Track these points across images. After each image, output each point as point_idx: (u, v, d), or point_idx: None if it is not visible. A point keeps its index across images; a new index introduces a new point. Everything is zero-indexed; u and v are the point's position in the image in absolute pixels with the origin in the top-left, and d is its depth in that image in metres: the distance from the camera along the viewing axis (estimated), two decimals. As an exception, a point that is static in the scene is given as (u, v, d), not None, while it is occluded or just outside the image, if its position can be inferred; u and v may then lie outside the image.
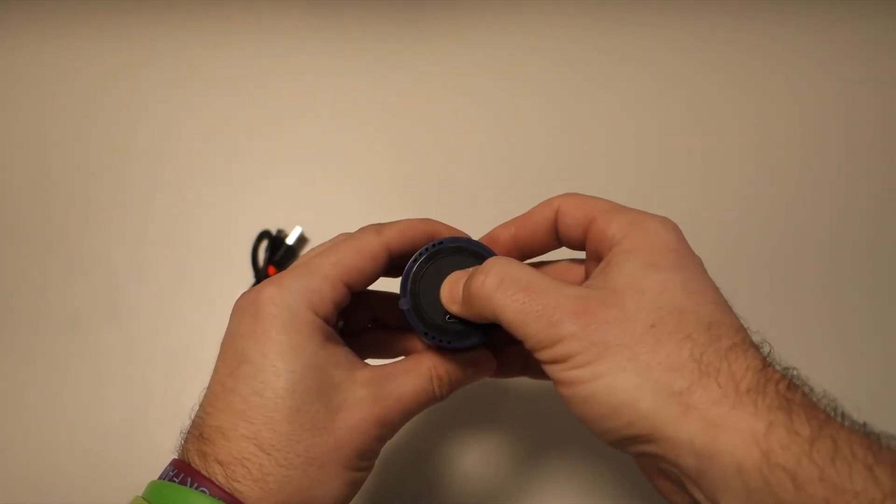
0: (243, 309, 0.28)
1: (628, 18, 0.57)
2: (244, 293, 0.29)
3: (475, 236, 0.33)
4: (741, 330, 0.25)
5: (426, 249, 0.30)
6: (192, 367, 0.47)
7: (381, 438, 0.29)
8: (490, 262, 0.28)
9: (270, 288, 0.28)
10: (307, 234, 0.50)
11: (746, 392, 0.23)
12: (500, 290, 0.26)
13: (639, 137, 0.53)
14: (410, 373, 0.29)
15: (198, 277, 0.50)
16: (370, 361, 0.31)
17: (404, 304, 0.30)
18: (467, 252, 0.31)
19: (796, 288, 0.49)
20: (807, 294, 0.49)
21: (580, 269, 0.34)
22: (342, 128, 0.54)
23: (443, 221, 0.34)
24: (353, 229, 0.32)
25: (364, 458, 0.28)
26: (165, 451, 0.45)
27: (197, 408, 0.29)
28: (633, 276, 0.26)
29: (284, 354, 0.27)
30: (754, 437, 0.22)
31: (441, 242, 0.31)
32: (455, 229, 0.33)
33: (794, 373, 0.24)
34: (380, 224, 0.31)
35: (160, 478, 0.28)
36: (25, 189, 0.53)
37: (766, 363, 0.24)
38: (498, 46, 0.57)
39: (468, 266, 0.30)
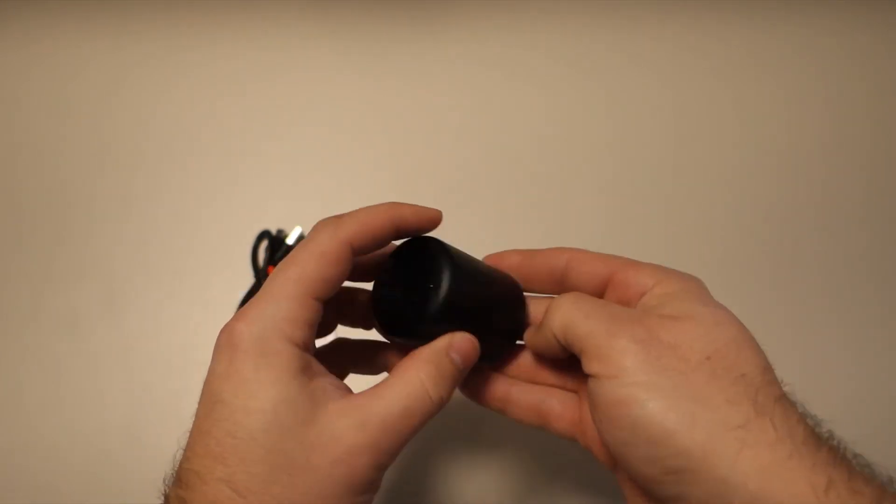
0: (220, 347, 0.27)
1: (629, 18, 0.57)
2: (224, 326, 0.27)
3: (476, 237, 0.33)
4: (779, 386, 0.25)
5: (385, 271, 0.30)
6: (192, 368, 0.47)
7: (377, 467, 0.26)
8: (572, 292, 0.29)
9: (240, 323, 0.26)
10: (307, 235, 0.50)
11: (803, 443, 0.22)
12: (576, 305, 0.27)
13: (639, 136, 0.53)
14: (395, 387, 0.26)
15: (198, 277, 0.50)
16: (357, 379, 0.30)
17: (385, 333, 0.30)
18: (427, 255, 0.29)
19: (796, 287, 0.49)
20: (807, 293, 0.49)
21: None
22: (342, 128, 0.54)
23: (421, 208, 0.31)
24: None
25: (358, 491, 0.25)
26: (165, 451, 0.45)
27: (180, 452, 0.27)
28: (685, 308, 0.26)
29: (256, 393, 0.25)
30: (814, 492, 0.21)
31: (399, 252, 0.30)
32: (421, 208, 0.30)
33: (832, 434, 0.24)
34: (337, 217, 0.29)
35: None
36: (25, 190, 0.53)
37: (806, 421, 0.24)
38: (498, 46, 0.56)
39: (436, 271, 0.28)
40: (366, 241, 0.28)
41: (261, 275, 0.48)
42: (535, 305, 0.33)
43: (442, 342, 0.28)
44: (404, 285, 0.29)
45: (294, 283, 0.26)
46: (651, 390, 0.24)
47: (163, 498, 0.27)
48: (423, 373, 0.27)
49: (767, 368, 0.25)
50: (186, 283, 0.50)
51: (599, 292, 0.30)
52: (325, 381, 0.27)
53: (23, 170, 0.54)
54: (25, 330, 0.49)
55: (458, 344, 0.28)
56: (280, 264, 0.28)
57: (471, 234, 0.50)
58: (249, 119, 0.55)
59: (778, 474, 0.22)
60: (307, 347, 0.27)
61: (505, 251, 0.33)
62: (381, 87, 0.55)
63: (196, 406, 0.28)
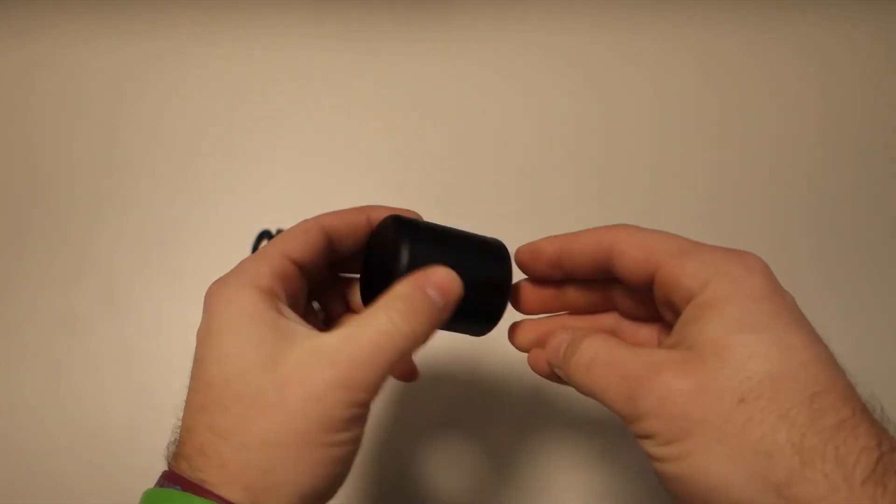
0: (203, 313, 0.28)
1: (627, 17, 0.57)
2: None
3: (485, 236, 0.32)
4: (851, 398, 0.22)
5: (364, 257, 0.32)
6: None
7: (352, 403, 0.25)
8: (586, 342, 0.27)
9: (213, 285, 0.28)
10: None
11: (861, 484, 0.20)
12: (589, 375, 0.26)
13: (641, 136, 0.53)
14: (363, 325, 0.26)
15: (198, 277, 0.50)
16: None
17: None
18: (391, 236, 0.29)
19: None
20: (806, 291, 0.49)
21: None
22: (342, 128, 0.54)
23: (419, 213, 0.33)
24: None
25: (334, 429, 0.25)
26: (165, 451, 0.45)
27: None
28: (715, 339, 0.23)
29: (228, 340, 0.26)
30: None
31: (372, 236, 0.31)
32: (396, 208, 0.31)
33: None
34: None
35: (157, 485, 0.27)
36: (25, 189, 0.53)
37: (881, 441, 0.21)
38: (497, 46, 0.56)
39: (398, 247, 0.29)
40: (339, 225, 0.30)
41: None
42: (539, 326, 0.33)
43: (413, 278, 0.27)
44: (377, 263, 0.30)
45: (269, 246, 0.29)
46: (683, 449, 0.22)
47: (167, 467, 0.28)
48: (391, 309, 0.26)
49: (820, 393, 0.22)
50: (186, 283, 0.50)
51: (648, 284, 0.27)
52: (295, 324, 0.27)
53: (23, 170, 0.54)
54: (25, 330, 0.49)
55: (433, 277, 0.27)
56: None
57: (478, 231, 0.50)
58: (249, 119, 0.55)
59: None
60: (276, 295, 0.28)
61: (540, 240, 0.31)
62: (381, 87, 0.55)
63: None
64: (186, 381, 0.47)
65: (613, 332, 0.32)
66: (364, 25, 0.57)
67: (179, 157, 0.54)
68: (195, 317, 0.48)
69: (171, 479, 0.25)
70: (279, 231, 0.49)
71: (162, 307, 0.49)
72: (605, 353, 0.26)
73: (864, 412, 0.22)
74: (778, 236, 0.50)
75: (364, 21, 0.57)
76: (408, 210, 0.32)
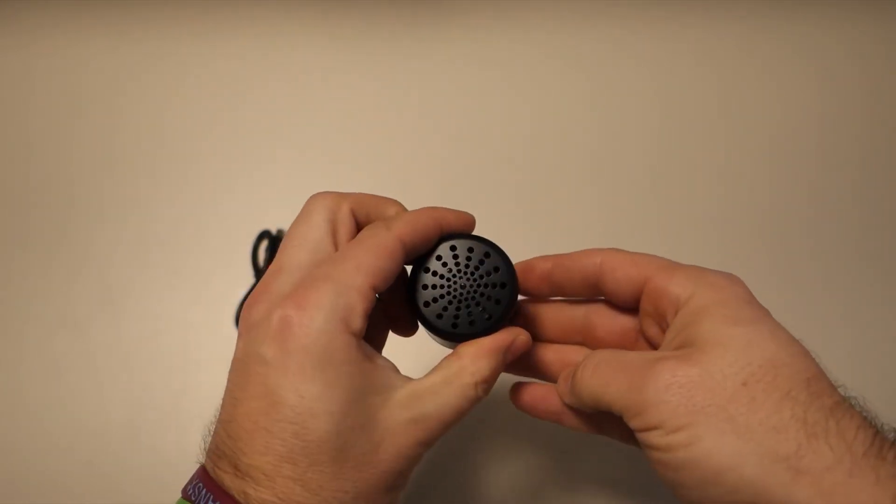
0: (264, 333, 0.26)
1: (631, 18, 0.57)
2: (253, 304, 0.27)
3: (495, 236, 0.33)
4: (835, 387, 0.24)
5: (423, 269, 0.30)
6: (193, 367, 0.47)
7: (422, 455, 0.27)
8: (593, 353, 0.28)
9: (296, 312, 0.25)
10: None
11: (863, 456, 0.22)
12: (595, 375, 0.27)
13: (640, 135, 0.53)
14: (451, 385, 0.27)
15: (198, 277, 0.50)
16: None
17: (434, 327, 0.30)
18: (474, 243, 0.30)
19: (794, 284, 0.49)
20: (803, 289, 0.49)
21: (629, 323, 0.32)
22: (343, 127, 0.54)
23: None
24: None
25: (405, 476, 0.27)
26: (165, 451, 0.45)
27: (216, 427, 0.28)
28: (714, 331, 0.25)
29: (322, 395, 0.25)
30: None
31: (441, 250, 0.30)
32: (462, 213, 0.32)
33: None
34: (383, 219, 0.30)
35: (192, 497, 0.26)
36: (25, 189, 0.53)
37: (872, 421, 0.23)
38: (498, 46, 0.56)
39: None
40: (416, 239, 0.28)
41: (261, 275, 0.48)
42: (560, 353, 0.33)
43: (504, 338, 0.29)
44: (460, 283, 0.30)
45: (355, 271, 0.26)
46: (692, 434, 0.23)
47: (203, 469, 0.27)
48: (483, 371, 0.28)
49: (814, 378, 0.23)
50: (186, 284, 0.50)
51: (635, 299, 0.29)
52: (385, 370, 0.27)
53: (23, 170, 0.54)
54: (25, 330, 0.49)
55: (518, 344, 0.29)
56: (346, 248, 0.28)
57: (475, 232, 0.50)
58: (249, 119, 0.55)
59: (839, 496, 0.21)
60: (363, 335, 0.27)
61: (534, 259, 0.32)
62: (382, 87, 0.55)
63: (211, 424, 0.28)
64: (186, 382, 0.47)
65: None
66: (365, 25, 0.57)
67: (180, 157, 0.54)
68: (195, 317, 0.49)
69: None
70: (279, 231, 0.49)
71: (162, 307, 0.49)
72: (610, 355, 0.27)
73: (847, 399, 0.24)
74: (778, 237, 0.50)
75: (364, 21, 0.57)
76: (465, 212, 0.31)
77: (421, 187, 0.52)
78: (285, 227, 0.50)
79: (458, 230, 0.31)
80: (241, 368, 0.26)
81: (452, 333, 0.29)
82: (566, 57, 0.56)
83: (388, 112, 0.55)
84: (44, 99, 0.56)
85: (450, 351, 0.30)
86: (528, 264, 0.32)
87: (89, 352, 0.48)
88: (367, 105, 0.55)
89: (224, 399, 0.27)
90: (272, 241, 0.49)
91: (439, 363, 0.28)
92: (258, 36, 0.57)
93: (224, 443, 0.26)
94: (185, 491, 0.27)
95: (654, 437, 0.24)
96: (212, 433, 0.28)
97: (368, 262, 0.27)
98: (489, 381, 0.28)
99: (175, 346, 0.48)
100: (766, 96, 0.54)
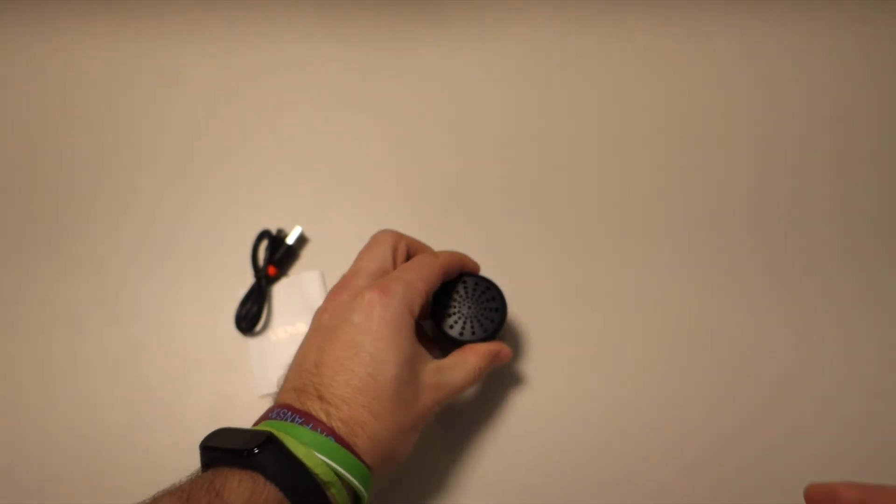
0: (355, 307, 0.37)
1: (634, 19, 0.57)
2: (338, 292, 0.38)
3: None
4: None
5: (445, 294, 0.42)
6: (193, 367, 0.48)
7: (435, 411, 0.38)
8: None
9: (380, 295, 0.37)
10: (307, 234, 0.50)
11: None
12: None
13: (644, 136, 0.53)
14: (460, 367, 0.39)
15: (198, 277, 0.50)
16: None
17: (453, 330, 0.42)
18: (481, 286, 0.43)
19: (797, 287, 0.49)
20: (806, 292, 0.49)
21: None
22: (342, 128, 0.54)
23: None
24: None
25: (424, 421, 0.38)
26: (165, 450, 0.45)
27: (295, 372, 0.37)
28: None
29: (392, 350, 0.36)
30: None
31: (464, 282, 0.43)
32: (473, 261, 0.44)
33: None
34: (434, 252, 0.42)
35: (280, 418, 0.35)
36: (26, 189, 0.53)
37: None
38: (500, 47, 0.56)
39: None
40: (449, 269, 0.41)
41: (261, 274, 0.48)
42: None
43: (494, 347, 0.41)
44: (468, 306, 0.42)
45: (421, 280, 0.39)
46: None
47: (282, 402, 0.36)
48: (480, 364, 0.40)
49: None
50: (186, 284, 0.50)
51: None
52: (423, 348, 0.38)
53: (22, 170, 0.54)
54: (26, 330, 0.49)
55: (504, 353, 0.42)
56: (409, 264, 0.40)
57: (475, 232, 0.51)
58: (250, 119, 0.55)
59: None
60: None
61: (839, 485, 0.29)
62: (382, 88, 0.55)
63: (288, 365, 0.38)
64: (186, 382, 0.47)
65: None
66: (366, 28, 0.57)
67: (180, 158, 0.54)
68: (195, 317, 0.49)
69: (323, 428, 0.34)
70: (280, 231, 0.50)
71: (162, 307, 0.49)
72: None
73: None
74: (781, 233, 0.50)
75: (366, 24, 0.57)
76: (474, 261, 0.44)
77: (421, 188, 0.52)
78: (286, 227, 0.50)
79: (469, 270, 0.43)
80: (330, 329, 0.37)
81: (460, 340, 0.42)
82: (569, 56, 0.56)
83: (390, 112, 0.55)
84: (44, 99, 0.56)
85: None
86: (832, 491, 0.29)
87: (89, 352, 0.48)
88: (367, 105, 0.55)
89: (307, 353, 0.37)
90: (272, 240, 0.49)
91: (451, 355, 0.40)
92: (259, 35, 0.57)
93: (310, 380, 0.36)
94: (264, 417, 0.35)
95: None
96: (286, 380, 0.37)
97: (426, 274, 0.39)
98: (482, 371, 0.40)
99: (175, 346, 0.48)
100: (778, 98, 0.54)
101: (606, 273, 0.49)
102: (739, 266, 0.49)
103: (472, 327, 0.42)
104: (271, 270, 0.48)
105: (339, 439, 0.34)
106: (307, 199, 0.52)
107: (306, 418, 0.34)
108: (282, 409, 0.35)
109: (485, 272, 0.44)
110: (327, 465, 0.33)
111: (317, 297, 0.48)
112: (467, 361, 0.40)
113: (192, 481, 0.31)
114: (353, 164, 0.53)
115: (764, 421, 0.45)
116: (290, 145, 0.54)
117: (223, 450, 0.33)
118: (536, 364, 0.47)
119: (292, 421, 0.34)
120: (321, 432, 0.33)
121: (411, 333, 0.37)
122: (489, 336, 0.42)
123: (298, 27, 0.57)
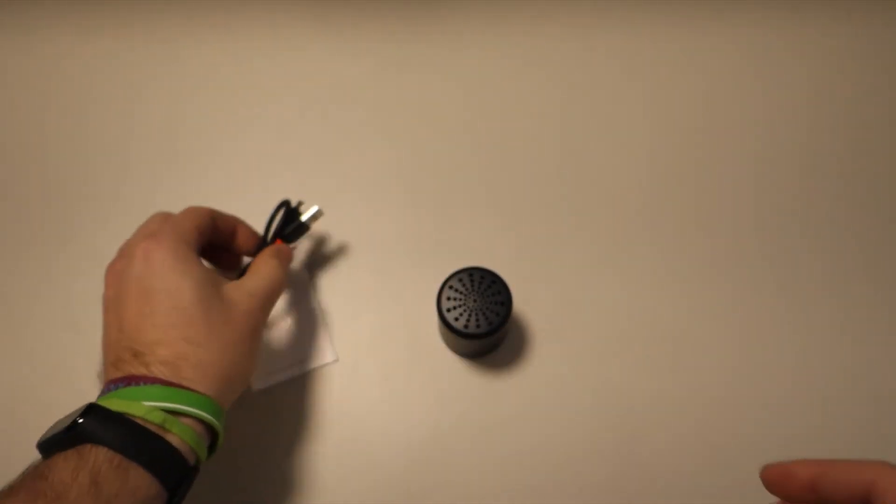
0: (129, 265, 0.38)
1: (635, 20, 0.57)
2: (113, 263, 0.39)
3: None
4: None
5: (450, 287, 0.44)
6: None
7: (265, 319, 0.41)
8: None
9: (148, 241, 0.38)
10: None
11: None
12: None
13: (646, 137, 0.54)
14: (256, 273, 0.42)
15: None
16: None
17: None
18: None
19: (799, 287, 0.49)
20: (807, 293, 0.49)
21: None
22: (344, 128, 0.55)
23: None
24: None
25: (258, 335, 0.40)
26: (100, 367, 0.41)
27: (107, 349, 0.37)
28: None
29: (182, 277, 0.37)
30: None
31: (469, 275, 0.44)
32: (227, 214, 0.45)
33: None
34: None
35: (103, 394, 0.35)
36: (26, 187, 0.54)
37: None
38: (508, 44, 0.57)
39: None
40: (216, 215, 0.44)
41: (267, 237, 0.47)
42: None
43: (273, 247, 0.45)
44: (474, 299, 0.43)
45: (182, 218, 0.41)
46: None
47: (112, 374, 0.36)
48: (271, 264, 0.42)
49: None
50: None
51: None
52: (213, 271, 0.39)
53: (24, 168, 0.55)
54: (25, 329, 0.50)
55: (284, 250, 0.45)
56: (170, 214, 0.41)
57: (484, 228, 0.51)
58: (251, 120, 0.56)
59: None
60: (199, 253, 0.41)
61: (793, 464, 0.29)
62: (388, 78, 0.56)
63: (99, 359, 0.38)
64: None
65: None
66: (371, 23, 0.58)
67: (181, 155, 0.55)
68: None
69: (145, 380, 0.34)
70: (300, 203, 0.49)
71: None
72: None
73: None
74: (783, 233, 0.51)
75: (371, 19, 0.58)
76: (235, 217, 0.46)
77: (422, 187, 0.53)
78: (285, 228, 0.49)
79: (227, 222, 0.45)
80: (119, 296, 0.37)
81: (466, 333, 0.42)
82: (570, 56, 0.57)
83: (390, 112, 0.55)
84: (44, 95, 0.57)
85: None
86: (786, 470, 0.30)
87: (90, 351, 0.47)
88: (368, 105, 0.56)
89: (108, 331, 0.37)
90: (288, 212, 0.48)
91: (250, 269, 0.43)
92: (264, 28, 0.58)
93: (121, 347, 0.36)
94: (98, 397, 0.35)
95: None
96: (102, 366, 0.37)
97: (191, 215, 0.42)
98: (278, 268, 0.42)
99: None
100: (793, 100, 0.55)
101: (613, 271, 0.50)
102: (749, 265, 0.50)
103: (478, 320, 0.42)
104: (279, 243, 0.47)
105: (164, 381, 0.34)
106: (308, 201, 0.50)
107: (126, 380, 0.34)
108: (105, 388, 0.35)
109: (492, 267, 0.44)
110: (155, 407, 0.33)
111: (305, 296, 0.50)
112: (259, 267, 0.42)
113: (20, 475, 0.32)
114: (354, 165, 0.54)
115: (764, 421, 0.46)
116: (291, 146, 0.55)
117: (51, 437, 0.33)
118: (541, 359, 0.48)
119: (115, 389, 0.34)
120: (143, 384, 0.34)
121: (196, 260, 0.38)
122: (494, 330, 0.42)
123: (303, 24, 0.59)
